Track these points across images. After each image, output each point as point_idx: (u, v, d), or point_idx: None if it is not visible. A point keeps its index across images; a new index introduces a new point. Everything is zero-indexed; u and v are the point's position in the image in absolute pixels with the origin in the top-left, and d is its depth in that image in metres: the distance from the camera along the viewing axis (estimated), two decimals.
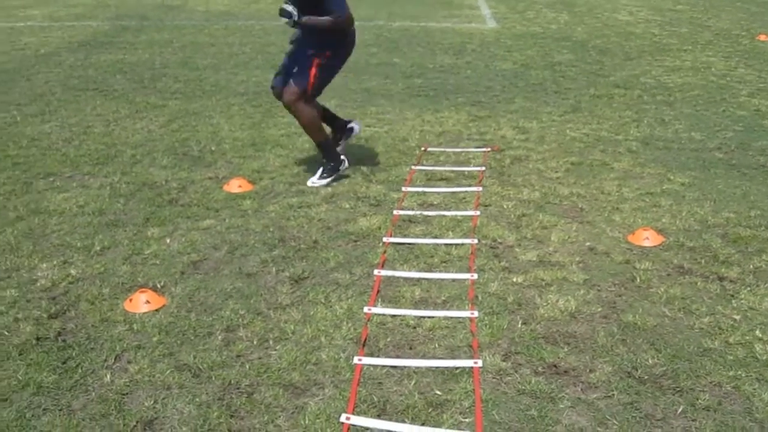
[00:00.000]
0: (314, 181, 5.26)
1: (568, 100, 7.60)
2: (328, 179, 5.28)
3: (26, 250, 4.29)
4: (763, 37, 11.04)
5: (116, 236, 4.45)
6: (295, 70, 5.14)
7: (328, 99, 7.53)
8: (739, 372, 3.16)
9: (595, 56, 9.82)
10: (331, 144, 5.45)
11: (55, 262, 4.13)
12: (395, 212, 4.77)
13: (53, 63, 9.45)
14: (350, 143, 5.79)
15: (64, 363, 3.24)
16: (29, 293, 3.82)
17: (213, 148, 6.02)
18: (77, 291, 3.83)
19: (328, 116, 5.61)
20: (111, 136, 6.34)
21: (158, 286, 3.86)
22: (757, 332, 3.45)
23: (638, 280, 3.94)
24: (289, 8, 4.96)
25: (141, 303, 3.66)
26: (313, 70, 5.09)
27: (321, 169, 5.31)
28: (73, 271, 4.03)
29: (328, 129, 5.53)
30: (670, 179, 5.37)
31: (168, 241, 4.39)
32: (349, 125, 5.69)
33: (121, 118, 6.88)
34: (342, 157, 5.38)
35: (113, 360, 3.26)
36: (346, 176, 5.40)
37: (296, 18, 4.96)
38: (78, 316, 3.61)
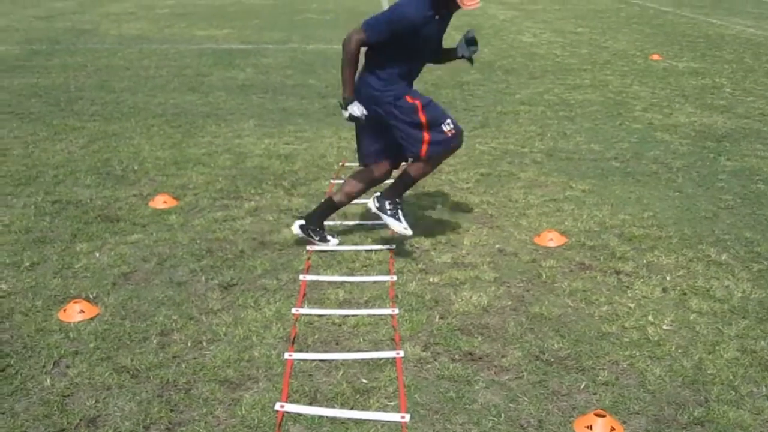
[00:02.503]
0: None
1: (476, 117, 8.00)
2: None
3: None
4: (656, 57, 11.77)
5: (44, 252, 4.55)
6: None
7: (247, 118, 7.76)
8: (634, 351, 3.52)
9: (502, 76, 10.30)
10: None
11: None
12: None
13: None
14: (270, 161, 5.99)
15: (2, 370, 3.35)
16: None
17: (135, 167, 6.14)
18: (10, 304, 3.93)
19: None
20: (31, 158, 6.38)
21: (91, 296, 3.99)
22: (650, 317, 3.84)
23: (544, 276, 4.29)
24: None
25: (75, 312, 3.79)
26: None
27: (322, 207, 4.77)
28: (3, 286, 4.12)
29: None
30: (572, 187, 5.78)
31: (97, 255, 4.52)
32: None
33: (39, 140, 6.92)
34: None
35: (52, 365, 3.39)
36: (268, 190, 5.61)
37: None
38: (13, 327, 3.71)
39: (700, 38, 13.92)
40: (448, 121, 4.29)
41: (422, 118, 4.23)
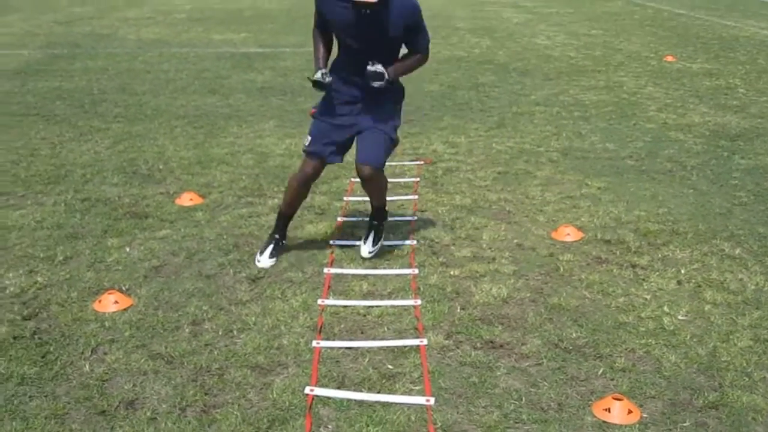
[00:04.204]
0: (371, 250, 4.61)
1: (492, 117, 8.12)
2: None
3: None
4: (669, 58, 11.86)
5: (77, 247, 4.70)
6: (373, 133, 4.28)
7: (268, 119, 7.91)
8: (650, 340, 3.64)
9: (517, 77, 10.42)
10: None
11: (21, 272, 4.36)
12: (339, 218, 5.15)
13: None
14: (292, 160, 6.13)
15: (43, 357, 3.50)
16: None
17: (161, 167, 6.30)
18: (46, 296, 4.08)
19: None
20: (59, 158, 6.55)
21: (124, 288, 4.14)
22: (665, 308, 3.95)
23: (561, 269, 4.41)
24: (379, 68, 4.07)
25: (110, 303, 3.94)
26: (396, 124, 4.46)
27: (375, 234, 4.68)
28: (39, 279, 4.28)
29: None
30: (587, 184, 5.90)
31: (128, 249, 4.67)
32: None
33: (66, 141, 7.09)
34: None
35: (90, 353, 3.54)
36: None
37: (389, 77, 4.12)
38: (50, 318, 3.86)
39: (714, 40, 13.99)
40: (309, 139, 4.36)
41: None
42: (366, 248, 4.59)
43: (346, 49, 4.25)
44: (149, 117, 8.06)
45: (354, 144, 4.42)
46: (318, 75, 4.16)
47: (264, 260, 4.48)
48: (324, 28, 4.34)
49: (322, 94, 4.36)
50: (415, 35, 4.22)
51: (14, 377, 3.34)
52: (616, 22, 16.72)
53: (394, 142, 4.43)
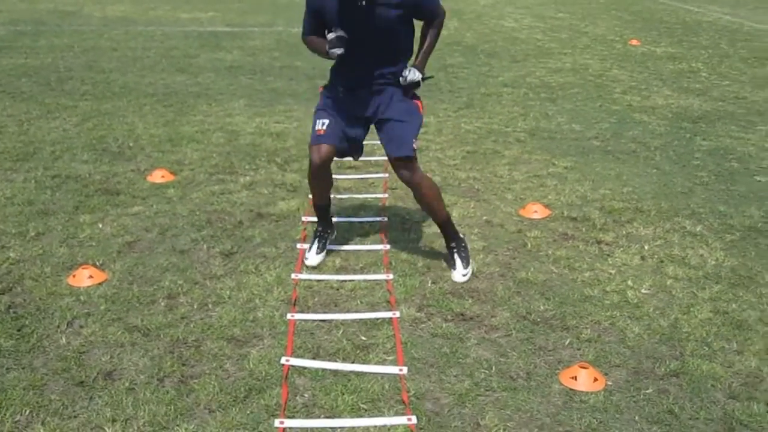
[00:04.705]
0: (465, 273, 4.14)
1: (461, 98, 8.21)
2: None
3: None
4: (634, 42, 12.03)
5: (49, 223, 4.70)
6: (397, 127, 3.96)
7: (237, 98, 7.91)
8: (615, 312, 3.77)
9: (484, 59, 10.52)
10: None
11: None
12: (310, 196, 5.20)
13: None
14: (263, 139, 6.16)
15: (18, 330, 3.52)
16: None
17: (131, 144, 6.29)
18: (20, 271, 4.09)
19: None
20: (27, 135, 6.51)
21: (98, 263, 4.17)
22: (629, 282, 4.08)
23: (529, 245, 4.52)
24: (417, 75, 3.90)
25: (84, 278, 3.96)
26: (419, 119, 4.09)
27: (460, 257, 4.17)
28: (12, 254, 4.28)
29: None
30: (554, 164, 6.02)
31: (100, 225, 4.68)
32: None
33: (33, 119, 7.04)
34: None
35: (66, 326, 3.57)
36: (262, 166, 5.80)
37: (424, 76, 3.97)
38: (25, 292, 3.88)
39: (677, 25, 14.21)
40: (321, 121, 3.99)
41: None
42: (458, 273, 4.12)
43: (349, 52, 3.77)
44: (117, 95, 8.01)
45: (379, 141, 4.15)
46: (331, 35, 3.72)
47: (312, 258, 4.23)
48: (318, 30, 3.94)
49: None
50: (422, 4, 3.91)
51: None
52: (582, 6, 16.88)
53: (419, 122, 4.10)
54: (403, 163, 3.97)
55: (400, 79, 3.93)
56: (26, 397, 3.03)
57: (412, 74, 3.90)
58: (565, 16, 15.11)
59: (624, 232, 4.74)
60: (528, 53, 11.02)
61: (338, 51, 3.72)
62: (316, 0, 3.91)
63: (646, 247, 4.53)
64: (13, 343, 3.41)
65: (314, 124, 4.02)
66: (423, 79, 3.96)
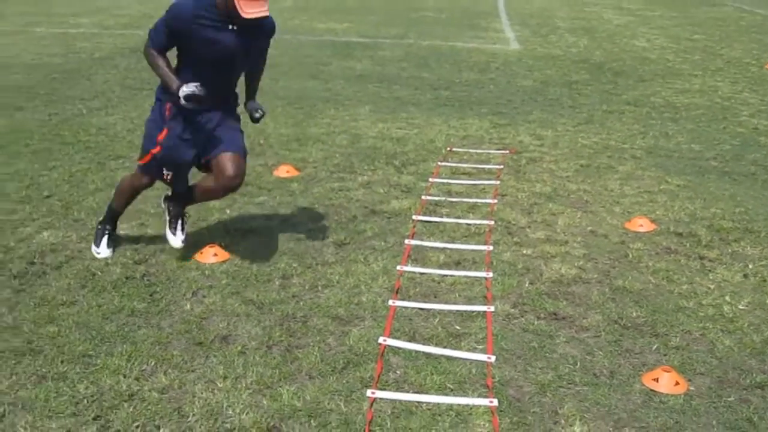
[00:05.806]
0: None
1: (581, 114, 8.29)
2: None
3: None
4: None
5: None
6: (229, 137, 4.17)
7: (363, 105, 8.29)
8: (708, 324, 3.83)
9: (610, 77, 10.51)
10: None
11: (133, 223, 4.87)
12: (423, 197, 5.48)
13: (109, 65, 10.28)
14: (383, 143, 6.48)
15: (150, 295, 3.96)
16: (115, 244, 4.54)
17: (261, 141, 6.76)
18: (155, 245, 4.56)
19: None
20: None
21: (222, 244, 4.58)
22: (727, 297, 4.12)
23: (630, 256, 4.62)
24: (260, 112, 4.31)
25: (210, 255, 4.38)
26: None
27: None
28: (150, 231, 4.77)
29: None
30: (667, 181, 6.04)
31: (228, 211, 5.12)
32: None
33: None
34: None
35: (191, 294, 3.98)
36: (380, 168, 6.11)
37: (264, 112, 4.36)
38: (158, 264, 4.33)
39: None
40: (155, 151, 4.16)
41: (159, 135, 4.14)
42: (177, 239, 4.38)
43: (199, 73, 3.92)
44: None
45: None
46: (191, 87, 3.79)
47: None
48: (170, 48, 3.99)
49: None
50: (263, 56, 4.46)
51: (125, 310, 3.81)
52: (720, 28, 16.43)
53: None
54: None
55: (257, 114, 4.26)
56: (153, 350, 3.44)
57: (260, 112, 4.31)
58: (701, 38, 14.78)
59: (729, 250, 4.75)
60: (656, 73, 10.92)
61: (189, 106, 3.85)
62: (181, 23, 3.85)
63: (750, 266, 4.53)
64: (145, 305, 3.85)
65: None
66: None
